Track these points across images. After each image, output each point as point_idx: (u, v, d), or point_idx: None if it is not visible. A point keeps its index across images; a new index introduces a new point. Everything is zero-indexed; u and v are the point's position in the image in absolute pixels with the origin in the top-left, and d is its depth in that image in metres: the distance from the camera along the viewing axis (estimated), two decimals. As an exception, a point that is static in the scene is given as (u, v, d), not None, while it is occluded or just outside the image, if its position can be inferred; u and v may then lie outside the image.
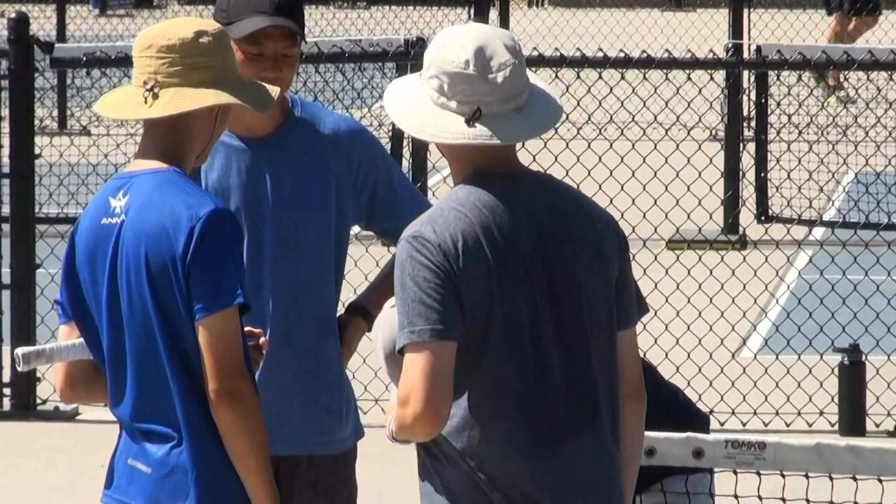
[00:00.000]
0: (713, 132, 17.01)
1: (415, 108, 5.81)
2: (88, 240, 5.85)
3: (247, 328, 5.91)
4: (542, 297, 5.67)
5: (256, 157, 6.98)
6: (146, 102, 5.86)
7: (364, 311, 7.05)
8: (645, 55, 13.67)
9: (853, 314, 12.85)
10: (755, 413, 11.31)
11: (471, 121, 5.62)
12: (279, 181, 7.06)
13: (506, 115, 5.68)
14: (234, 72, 6.08)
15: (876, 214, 16.97)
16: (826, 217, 17.18)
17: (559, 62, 12.72)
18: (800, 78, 17.71)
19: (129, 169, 5.98)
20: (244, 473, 5.77)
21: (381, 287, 7.10)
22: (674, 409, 6.57)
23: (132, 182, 5.87)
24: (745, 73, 16.56)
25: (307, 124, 7.04)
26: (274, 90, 6.22)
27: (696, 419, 6.54)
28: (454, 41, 5.76)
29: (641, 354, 6.24)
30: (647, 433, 5.87)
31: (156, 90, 5.85)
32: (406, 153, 14.34)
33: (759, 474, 6.29)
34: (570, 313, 5.69)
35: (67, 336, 6.03)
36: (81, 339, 5.89)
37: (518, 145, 5.78)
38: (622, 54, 13.23)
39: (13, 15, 13.74)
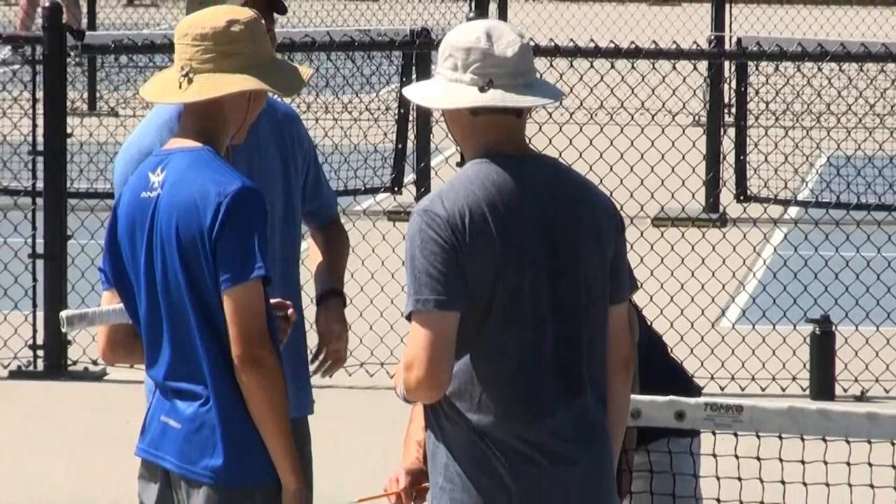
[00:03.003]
0: (696, 118, 17.02)
1: (430, 86, 5.91)
2: (129, 212, 5.91)
3: (275, 300, 5.98)
4: (544, 273, 5.74)
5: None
6: (181, 87, 5.91)
7: (337, 292, 7.10)
8: (633, 46, 13.70)
9: (824, 288, 12.86)
10: (733, 378, 11.35)
11: (484, 88, 5.68)
12: (251, 165, 7.00)
13: (515, 88, 5.73)
14: (267, 57, 6.13)
15: (846, 195, 17.00)
16: (800, 197, 17.23)
17: (553, 52, 12.64)
18: (777, 68, 17.77)
19: (167, 147, 6.04)
20: (265, 433, 5.82)
21: (338, 266, 7.25)
22: (678, 378, 6.68)
23: (169, 159, 5.92)
24: (726, 63, 16.62)
25: (266, 110, 6.91)
26: (305, 73, 6.21)
27: (693, 390, 6.60)
28: (466, 26, 5.82)
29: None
30: (633, 396, 5.91)
31: (190, 76, 5.90)
32: (411, 136, 14.38)
33: (736, 435, 6.35)
34: (568, 290, 5.75)
35: (109, 302, 6.10)
36: (121, 305, 5.95)
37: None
38: (612, 45, 13.24)
39: (47, 4, 13.69)
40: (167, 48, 13.22)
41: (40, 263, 11.73)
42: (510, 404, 5.70)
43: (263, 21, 6.18)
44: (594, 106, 14.34)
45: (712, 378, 11.40)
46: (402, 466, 6.09)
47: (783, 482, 6.75)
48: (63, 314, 6.52)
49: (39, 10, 22.71)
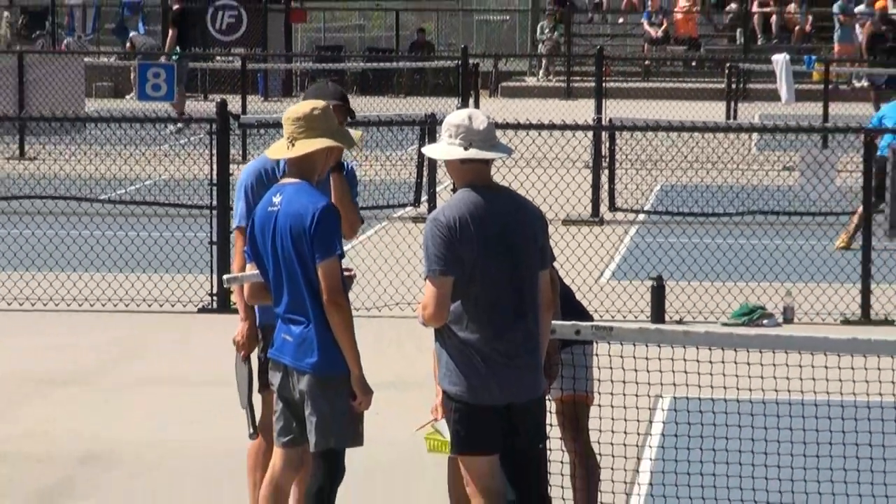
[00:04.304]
0: (587, 163, 16.83)
1: (437, 147, 5.81)
2: (261, 219, 5.91)
3: (345, 267, 5.94)
4: (503, 255, 5.69)
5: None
6: (287, 149, 5.90)
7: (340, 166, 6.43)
8: (549, 122, 13.53)
9: (659, 259, 12.63)
10: (607, 311, 11.10)
11: (467, 148, 5.63)
12: (324, 191, 6.36)
13: (484, 147, 5.67)
14: (336, 127, 6.00)
15: (675, 208, 16.73)
16: (646, 207, 17.10)
17: (504, 126, 12.52)
18: (632, 135, 17.77)
19: (282, 182, 5.99)
20: (341, 343, 5.77)
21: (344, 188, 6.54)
22: (578, 311, 6.50)
23: (284, 189, 5.92)
24: (604, 133, 16.44)
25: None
26: (357, 135, 6.24)
27: (587, 318, 6.53)
28: (456, 112, 5.80)
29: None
30: (553, 322, 5.86)
31: (293, 142, 5.88)
32: (425, 173, 14.33)
33: (609, 343, 6.10)
34: (517, 264, 5.72)
35: (250, 269, 6.09)
36: (257, 272, 5.94)
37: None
38: (538, 122, 13.08)
39: (219, 99, 13.66)
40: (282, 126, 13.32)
41: (214, 247, 11.59)
42: (484, 327, 5.65)
43: (333, 108, 6.08)
44: (530, 157, 14.28)
45: (595, 311, 11.14)
46: (436, 400, 5.88)
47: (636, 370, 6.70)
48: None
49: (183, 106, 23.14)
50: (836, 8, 30.88)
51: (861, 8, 30.04)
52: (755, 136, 21.40)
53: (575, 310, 6.48)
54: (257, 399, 6.36)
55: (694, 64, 31.77)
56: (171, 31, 26.18)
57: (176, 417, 8.75)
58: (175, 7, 27.57)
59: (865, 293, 11.37)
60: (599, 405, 6.48)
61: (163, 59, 23.85)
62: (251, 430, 6.32)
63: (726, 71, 26.27)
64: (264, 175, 6.44)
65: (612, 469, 6.54)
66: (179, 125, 21.64)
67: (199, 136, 19.10)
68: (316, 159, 5.96)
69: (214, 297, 11.55)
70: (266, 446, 6.35)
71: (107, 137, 20.88)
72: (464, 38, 31.87)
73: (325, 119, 5.95)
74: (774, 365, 6.72)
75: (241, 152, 18.92)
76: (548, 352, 5.94)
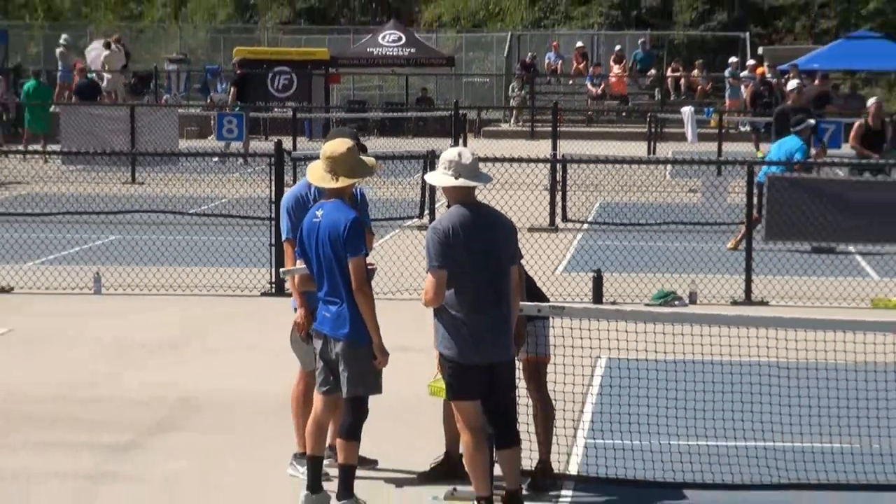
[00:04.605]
0: (546, 187, 16.57)
1: (435, 175, 5.66)
2: (307, 228, 5.80)
3: (369, 261, 5.81)
4: (485, 256, 5.57)
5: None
6: (332, 180, 5.77)
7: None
8: (518, 156, 13.34)
9: (600, 256, 12.51)
10: (562, 296, 10.98)
11: (457, 177, 5.52)
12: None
13: (471, 177, 5.55)
14: (358, 158, 5.85)
15: (611, 219, 16.58)
16: (589, 219, 16.81)
17: (483, 160, 12.33)
18: (579, 166, 17.72)
19: (323, 201, 5.86)
20: (366, 320, 5.65)
21: None
22: (539, 295, 6.39)
23: (324, 205, 5.81)
24: (558, 165, 16.27)
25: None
26: (371, 161, 5.95)
27: (546, 299, 6.44)
28: (450, 150, 5.67)
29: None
30: (521, 303, 5.79)
31: (336, 176, 5.73)
32: (427, 193, 14.21)
33: (561, 319, 6.11)
34: (495, 262, 5.60)
35: (299, 265, 5.99)
36: (305, 266, 5.85)
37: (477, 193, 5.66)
38: (507, 156, 12.92)
39: (276, 140, 13.40)
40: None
41: (273, 248, 11.40)
42: (471, 308, 5.54)
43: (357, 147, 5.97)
44: (507, 182, 14.16)
45: (552, 295, 10.98)
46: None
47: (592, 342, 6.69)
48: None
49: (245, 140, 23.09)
50: (727, 73, 30.98)
51: (745, 73, 30.11)
52: (669, 167, 21.13)
53: (536, 295, 6.41)
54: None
55: (624, 114, 31.62)
56: (232, 90, 26.32)
57: (245, 373, 8.71)
58: (237, 72, 27.77)
59: (748, 282, 11.29)
60: (554, 364, 6.44)
61: (234, 110, 23.88)
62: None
63: (647, 119, 26.16)
64: (301, 198, 6.39)
65: (563, 411, 6.53)
66: (247, 158, 21.67)
67: (261, 167, 18.91)
68: (348, 187, 5.92)
69: (273, 285, 11.43)
70: (304, 397, 6.28)
71: (194, 167, 21.14)
72: (455, 94, 31.63)
73: (352, 155, 5.90)
74: (682, 335, 6.70)
75: (292, 179, 18.82)
76: (517, 325, 5.86)
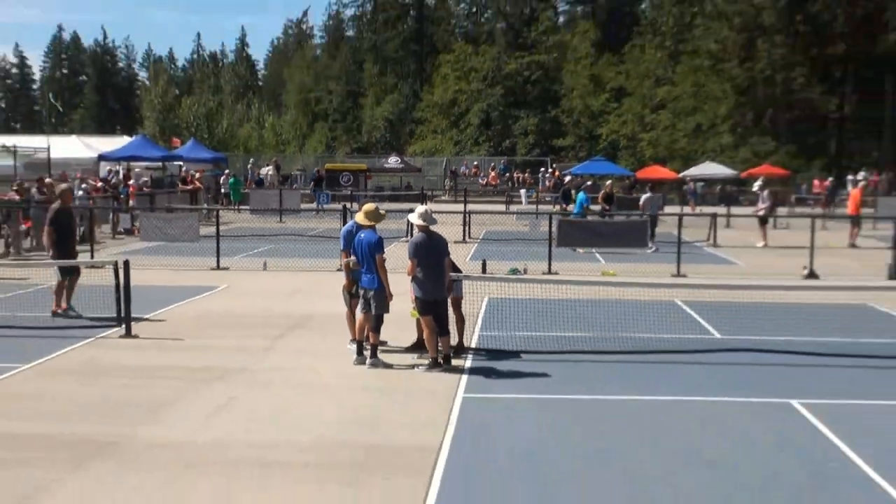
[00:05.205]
0: (461, 223, 16.02)
1: (413, 218, 5.73)
2: (356, 241, 5.96)
3: (355, 260, 5.82)
4: (434, 254, 5.81)
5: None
6: (364, 220, 5.84)
7: None
8: (447, 210, 13.63)
9: (486, 254, 12.62)
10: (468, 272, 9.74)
11: (423, 220, 5.64)
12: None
13: (428, 221, 5.68)
14: (378, 211, 5.88)
15: (491, 237, 16.42)
16: (480, 238, 16.46)
17: (434, 211, 10.77)
18: (477, 213, 17.46)
19: (360, 230, 5.90)
20: (383, 280, 5.81)
21: None
22: (458, 269, 6.55)
23: (363, 231, 5.93)
24: (468, 215, 15.85)
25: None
26: (383, 213, 5.93)
27: (460, 271, 6.60)
28: (421, 207, 5.72)
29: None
30: (450, 275, 6.02)
31: (370, 221, 5.72)
32: (409, 227, 14.31)
33: (469, 280, 6.41)
34: (439, 256, 5.81)
35: (353, 258, 6.01)
36: (356, 258, 5.96)
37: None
38: (441, 210, 12.91)
39: (342, 205, 13.81)
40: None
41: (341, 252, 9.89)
42: (428, 276, 5.73)
43: (376, 208, 5.89)
44: (444, 223, 11.96)
45: (464, 270, 9.36)
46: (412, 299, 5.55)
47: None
48: (348, 259, 6.35)
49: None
50: (540, 174, 33.83)
51: (548, 174, 32.56)
52: (515, 216, 21.45)
53: (456, 269, 6.63)
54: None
55: (495, 193, 33.36)
56: (312, 184, 28.66)
57: (328, 304, 9.14)
58: (317, 173, 30.41)
59: (549, 263, 11.54)
60: (466, 302, 6.89)
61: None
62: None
63: (505, 195, 28.21)
64: (352, 229, 6.58)
65: (470, 319, 7.09)
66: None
67: (336, 216, 18.73)
68: (374, 224, 6.21)
69: (340, 270, 10.60)
70: (350, 317, 6.66)
71: (306, 215, 22.51)
72: (421, 184, 33.49)
73: (375, 211, 6.21)
74: (521, 286, 7.05)
75: (345, 220, 18.80)
76: (448, 283, 6.23)
